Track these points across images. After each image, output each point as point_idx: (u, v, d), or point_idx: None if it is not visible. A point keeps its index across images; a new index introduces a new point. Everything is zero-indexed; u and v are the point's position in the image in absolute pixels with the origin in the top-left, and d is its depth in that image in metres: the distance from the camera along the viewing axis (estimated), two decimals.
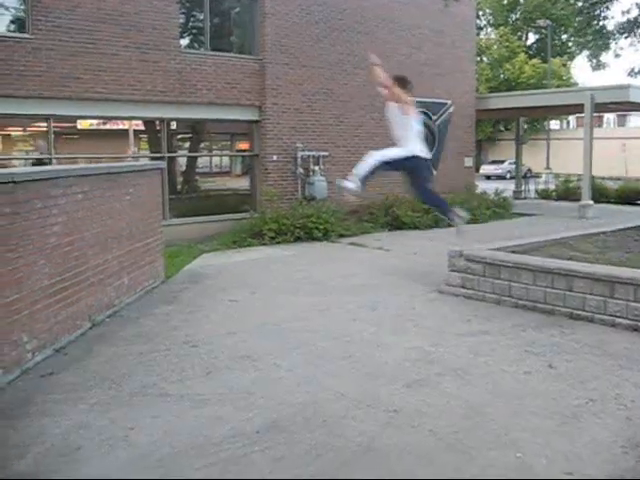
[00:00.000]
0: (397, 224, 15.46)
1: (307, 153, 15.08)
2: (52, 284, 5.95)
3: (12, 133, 13.21)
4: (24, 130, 13.23)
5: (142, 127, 14.45)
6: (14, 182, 5.36)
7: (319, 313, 7.51)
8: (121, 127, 13.91)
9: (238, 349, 6.13)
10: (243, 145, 16.10)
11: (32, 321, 5.60)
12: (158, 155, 13.62)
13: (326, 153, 15.40)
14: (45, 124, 12.23)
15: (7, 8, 12.13)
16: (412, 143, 7.98)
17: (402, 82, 8.00)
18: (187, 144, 15.64)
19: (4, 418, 4.62)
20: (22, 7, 12.01)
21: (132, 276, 7.93)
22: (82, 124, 13.37)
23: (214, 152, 16.30)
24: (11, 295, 5.28)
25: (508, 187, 22.02)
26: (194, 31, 14.79)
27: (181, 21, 13.90)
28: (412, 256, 11.43)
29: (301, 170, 15.02)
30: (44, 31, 11.76)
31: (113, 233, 7.41)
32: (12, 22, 12.26)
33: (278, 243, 12.95)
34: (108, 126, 13.87)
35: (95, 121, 13.58)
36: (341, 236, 13.81)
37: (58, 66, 11.76)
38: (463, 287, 8.20)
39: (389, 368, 5.59)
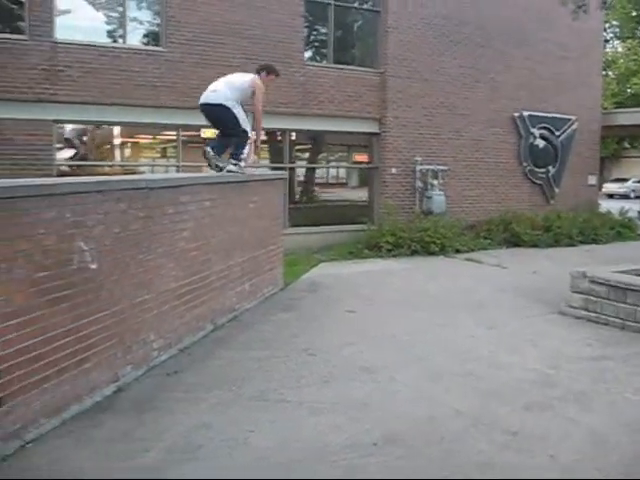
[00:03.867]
0: (515, 241, 15.09)
1: (426, 167, 14.98)
2: (179, 286, 6.18)
3: (141, 141, 13.83)
4: (153, 138, 13.83)
5: (262, 137, 14.72)
6: (149, 188, 5.62)
7: (436, 328, 7.43)
8: None
9: (355, 360, 6.15)
10: (360, 157, 16.19)
11: (159, 321, 5.84)
12: (279, 165, 13.90)
13: (445, 167, 15.25)
14: (174, 133, 12.78)
15: (141, 22, 12.75)
16: None
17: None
18: (306, 154, 15.87)
19: (132, 412, 4.82)
20: (156, 21, 12.61)
21: (253, 282, 8.12)
22: (205, 133, 13.82)
23: (332, 163, 16.46)
24: (142, 295, 5.53)
25: (633, 206, 21.10)
26: (317, 44, 15.03)
27: (305, 34, 14.14)
28: (531, 275, 11.12)
29: (420, 184, 14.94)
30: (176, 44, 12.29)
31: (237, 240, 7.61)
32: (146, 36, 12.86)
33: (395, 256, 12.93)
34: None
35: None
36: (457, 251, 13.62)
37: (188, 77, 12.24)
38: (585, 309, 7.90)
39: (507, 388, 5.46)
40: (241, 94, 7.96)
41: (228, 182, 7.55)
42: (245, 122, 7.96)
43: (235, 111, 7.82)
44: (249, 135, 8.17)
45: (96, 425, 4.54)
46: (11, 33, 11.28)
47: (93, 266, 4.83)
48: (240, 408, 4.95)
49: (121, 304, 5.21)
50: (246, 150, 8.48)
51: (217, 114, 7.85)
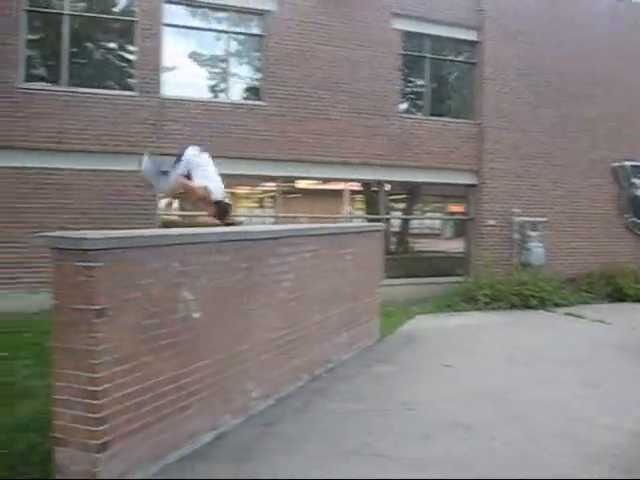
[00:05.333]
0: (619, 296, 14.50)
1: (524, 218, 14.71)
2: (278, 337, 6.23)
3: (238, 191, 14.18)
4: (251, 189, 14.17)
5: (356, 187, 14.92)
6: (251, 240, 5.74)
7: (535, 385, 7.20)
8: (337, 187, 14.45)
9: (453, 416, 6.01)
10: (455, 208, 16.07)
11: (258, 371, 5.89)
12: (375, 217, 13.98)
13: (543, 219, 14.92)
14: (273, 184, 13.08)
15: (242, 77, 13.20)
16: None
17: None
18: (400, 205, 15.87)
19: (230, 461, 4.85)
20: (256, 77, 13.03)
21: (350, 334, 8.11)
22: (300, 184, 14.08)
23: (427, 214, 16.39)
24: (242, 345, 5.61)
25: None
26: (412, 96, 15.13)
27: (401, 87, 14.29)
28: (637, 332, 10.66)
29: (517, 235, 14.66)
30: (277, 99, 12.67)
31: (335, 291, 7.64)
32: (246, 90, 13.29)
33: (493, 309, 12.67)
34: (325, 186, 14.47)
35: (312, 181, 14.24)
36: (557, 305, 13.21)
37: (288, 131, 12.56)
38: None
39: (610, 453, 5.20)
40: None
41: (327, 234, 7.62)
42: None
43: None
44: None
45: (195, 473, 4.59)
46: (121, 90, 11.91)
47: (196, 315, 4.95)
48: (337, 461, 4.90)
49: (222, 353, 5.30)
50: None
51: None
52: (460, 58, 15.40)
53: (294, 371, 6.62)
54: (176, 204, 13.15)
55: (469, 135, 14.62)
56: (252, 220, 13.84)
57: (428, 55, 14.57)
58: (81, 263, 3.99)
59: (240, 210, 14.03)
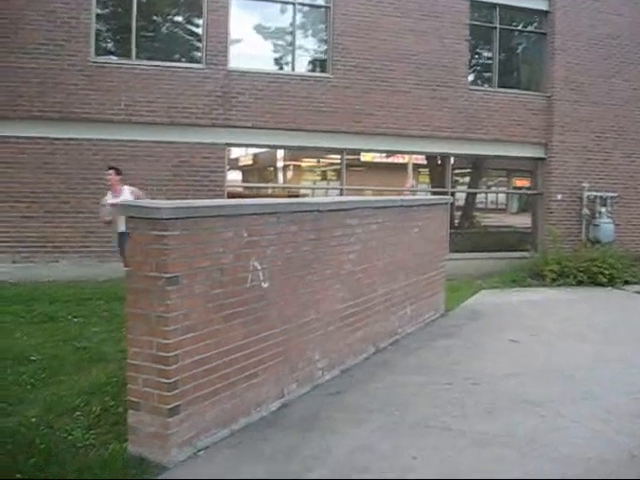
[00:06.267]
0: None
1: (594, 193, 14.34)
2: (344, 308, 6.26)
3: (302, 164, 14.23)
4: (318, 162, 14.19)
5: (421, 161, 14.79)
6: (319, 211, 5.76)
7: (604, 363, 7.03)
8: (401, 161, 14.35)
9: (519, 392, 5.94)
10: (521, 182, 15.80)
11: (324, 341, 5.93)
12: (439, 190, 13.83)
13: (614, 194, 14.52)
14: (337, 156, 13.06)
15: (307, 50, 13.16)
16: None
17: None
18: (465, 179, 15.66)
19: (296, 429, 4.90)
20: (321, 49, 12.97)
21: (414, 307, 8.09)
22: (365, 157, 14.01)
23: (492, 188, 16.14)
24: (308, 315, 5.65)
25: None
26: (479, 68, 14.86)
27: (469, 58, 14.03)
28: None
29: (587, 211, 14.31)
30: (342, 70, 12.60)
31: (400, 264, 7.62)
32: (312, 62, 13.26)
33: (559, 285, 12.43)
34: (389, 159, 14.38)
35: (377, 154, 14.16)
36: (627, 283, 12.86)
37: (353, 103, 12.50)
38: None
39: None
40: None
41: (394, 206, 7.59)
42: None
43: None
44: None
45: (262, 439, 4.66)
46: (188, 62, 12.03)
47: (265, 285, 5.00)
48: (402, 433, 4.91)
49: (289, 323, 5.35)
50: None
51: None
52: (530, 28, 15.01)
53: (359, 343, 6.65)
54: (240, 176, 13.29)
55: (538, 108, 14.28)
56: (314, 193, 13.87)
57: (497, 25, 14.23)
58: (155, 232, 4.07)
59: (303, 182, 14.10)
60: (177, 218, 4.12)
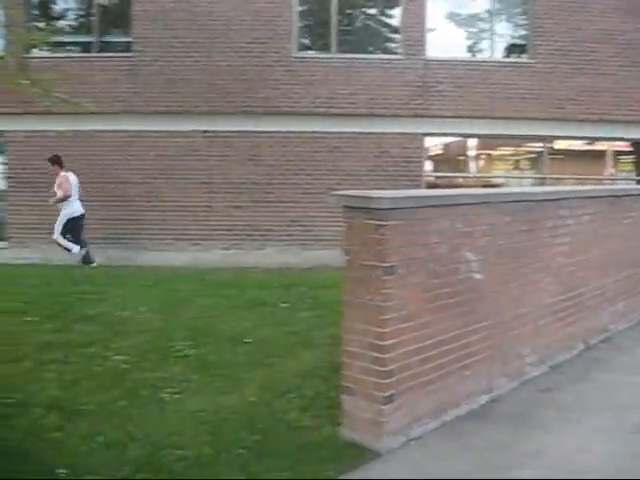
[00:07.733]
0: None
1: None
2: (554, 302, 6.06)
3: (494, 152, 13.90)
4: (515, 151, 13.81)
5: (622, 148, 13.96)
6: (532, 201, 5.62)
7: None
8: (599, 148, 13.63)
9: None
10: None
11: (534, 336, 5.77)
12: None
13: None
14: (536, 145, 12.64)
15: (504, 35, 12.84)
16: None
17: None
18: None
19: (506, 424, 4.79)
20: (521, 33, 12.59)
21: (626, 303, 7.65)
22: (559, 144, 13.44)
23: None
24: (520, 308, 5.53)
25: None
26: None
27: None
28: None
29: None
30: (543, 55, 12.15)
31: (612, 257, 7.25)
32: (510, 47, 12.90)
33: None
34: (587, 147, 13.72)
35: (572, 142, 13.54)
36: None
37: (556, 88, 12.03)
38: None
39: None
40: None
41: (603, 196, 7.23)
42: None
43: None
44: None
45: (473, 432, 4.60)
46: (386, 54, 12.14)
47: (478, 276, 4.94)
48: (623, 437, 4.64)
49: (501, 315, 5.26)
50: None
51: None
52: None
53: (569, 338, 6.40)
54: (432, 166, 13.22)
55: None
56: (509, 182, 13.51)
57: None
58: (372, 221, 4.13)
59: (494, 172, 13.78)
60: (395, 208, 4.16)
